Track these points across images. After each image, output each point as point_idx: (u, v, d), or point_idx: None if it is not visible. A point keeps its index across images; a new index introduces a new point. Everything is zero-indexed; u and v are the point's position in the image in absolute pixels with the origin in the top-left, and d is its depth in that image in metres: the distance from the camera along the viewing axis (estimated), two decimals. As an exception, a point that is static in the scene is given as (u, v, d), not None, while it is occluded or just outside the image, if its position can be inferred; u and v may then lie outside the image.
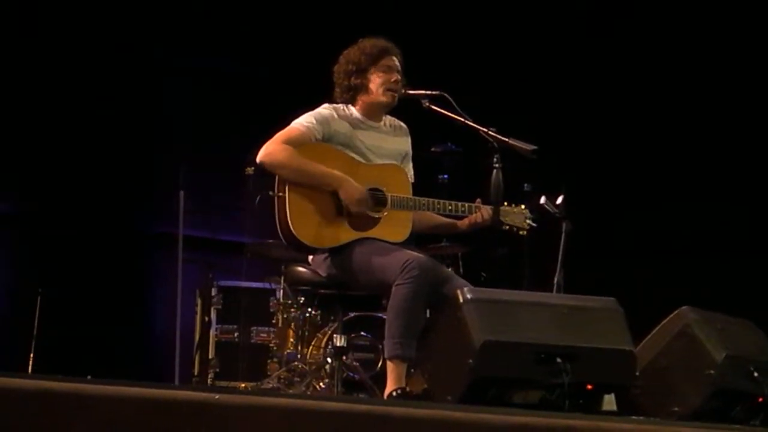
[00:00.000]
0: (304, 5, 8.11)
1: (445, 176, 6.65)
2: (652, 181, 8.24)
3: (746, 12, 7.86)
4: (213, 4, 8.06)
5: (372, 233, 4.88)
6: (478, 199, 5.01)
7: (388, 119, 5.14)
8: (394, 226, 4.92)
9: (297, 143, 4.85)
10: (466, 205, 5.00)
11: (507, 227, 5.06)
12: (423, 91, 4.98)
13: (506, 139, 4.80)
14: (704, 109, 8.06)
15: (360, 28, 5.17)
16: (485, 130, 4.83)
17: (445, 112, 4.93)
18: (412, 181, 5.13)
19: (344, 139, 4.95)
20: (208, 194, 7.51)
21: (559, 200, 5.52)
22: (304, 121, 4.92)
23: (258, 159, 4.88)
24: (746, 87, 7.92)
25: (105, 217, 7.95)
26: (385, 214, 4.90)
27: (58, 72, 7.67)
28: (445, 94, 4.92)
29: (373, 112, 5.05)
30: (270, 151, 4.85)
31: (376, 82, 5.00)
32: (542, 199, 5.50)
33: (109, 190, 7.85)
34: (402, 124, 5.17)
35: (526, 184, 6.16)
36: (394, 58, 5.03)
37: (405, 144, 5.16)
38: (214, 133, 7.94)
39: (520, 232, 5.12)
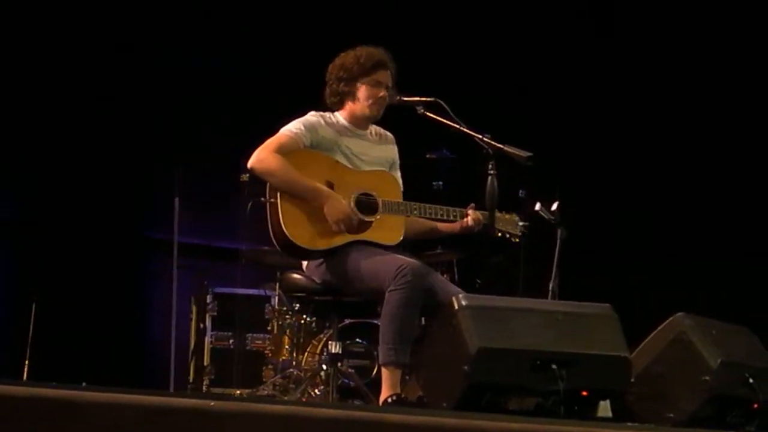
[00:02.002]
0: (303, 11, 8.11)
1: (440, 183, 6.65)
2: (647, 187, 8.25)
3: (745, 14, 7.86)
4: (210, 8, 8.05)
5: (365, 236, 4.90)
6: (472, 204, 5.02)
7: (374, 128, 5.18)
8: (387, 230, 4.94)
9: (287, 150, 4.89)
10: (457, 210, 5.03)
11: (500, 234, 5.07)
12: (417, 98, 4.99)
13: (501, 146, 4.80)
14: (699, 114, 8.06)
15: (357, 34, 5.18)
16: (480, 136, 4.84)
17: (440, 119, 4.93)
18: (401, 189, 5.14)
19: (331, 145, 4.98)
20: (203, 201, 7.51)
21: (554, 207, 5.52)
22: (293, 128, 4.95)
23: (249, 165, 4.91)
24: (742, 90, 7.92)
25: (100, 224, 7.93)
26: (378, 218, 4.92)
27: (54, 75, 7.66)
28: (440, 101, 4.93)
29: (358, 121, 5.08)
30: (261, 158, 4.87)
31: (363, 94, 5.03)
32: (537, 206, 5.51)
33: (104, 196, 7.84)
34: (388, 133, 5.22)
35: (521, 191, 6.17)
36: (387, 73, 5.04)
37: (392, 152, 5.19)
38: (209, 140, 7.93)
39: (513, 239, 5.14)
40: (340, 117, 5.08)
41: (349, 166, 4.99)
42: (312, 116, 5.03)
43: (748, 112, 7.96)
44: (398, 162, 5.20)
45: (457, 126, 4.90)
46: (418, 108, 4.99)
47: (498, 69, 8.28)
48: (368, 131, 5.13)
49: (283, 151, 4.87)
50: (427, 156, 6.66)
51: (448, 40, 8.26)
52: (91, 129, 7.77)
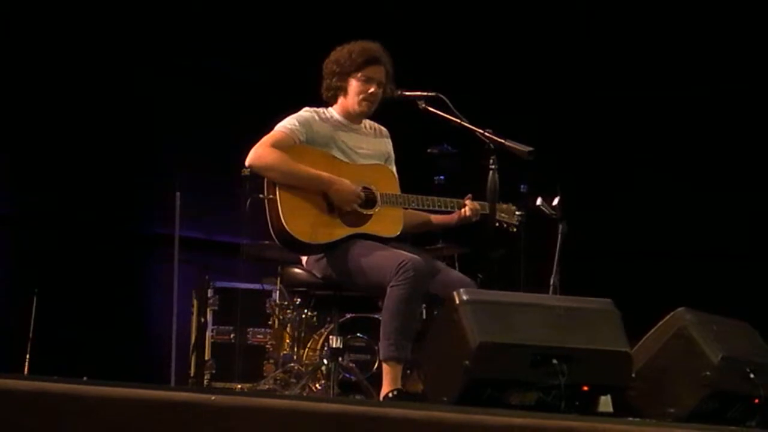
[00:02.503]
0: (302, 7, 8.11)
1: (442, 177, 6.65)
2: (649, 182, 8.25)
3: (746, 12, 7.86)
4: (210, 5, 8.06)
5: (365, 229, 4.90)
6: (470, 195, 5.02)
7: (368, 123, 5.18)
8: (386, 222, 4.95)
9: (283, 146, 4.89)
10: (455, 201, 5.04)
11: (497, 224, 5.07)
12: (419, 93, 4.99)
13: (502, 141, 4.80)
14: (700, 110, 8.06)
15: (357, 30, 5.18)
16: (481, 131, 4.83)
17: (442, 114, 4.93)
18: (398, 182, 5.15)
19: (326, 140, 4.99)
20: (204, 196, 7.51)
21: (555, 201, 5.53)
22: (287, 124, 4.96)
23: (247, 162, 4.91)
24: (744, 88, 7.92)
25: (101, 219, 7.94)
26: (377, 210, 4.92)
27: (54, 73, 7.66)
28: (442, 96, 4.93)
29: (351, 116, 5.09)
30: (259, 154, 4.88)
31: (353, 90, 5.03)
32: (538, 201, 5.51)
33: (105, 192, 7.85)
34: (382, 127, 5.23)
35: (522, 186, 6.16)
36: (380, 68, 5.03)
37: (387, 146, 5.20)
38: (210, 135, 7.93)
39: (511, 229, 5.14)
40: (334, 112, 5.09)
41: (346, 160, 5.00)
42: (306, 112, 5.03)
43: (749, 109, 7.97)
44: (393, 156, 5.21)
45: (459, 121, 4.90)
46: (419, 102, 4.99)
47: (499, 64, 8.28)
48: (362, 125, 5.14)
49: (278, 146, 4.88)
50: (429, 150, 6.66)
51: (450, 35, 8.26)
52: (93, 126, 7.78)
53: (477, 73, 8.16)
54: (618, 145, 8.27)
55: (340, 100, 5.08)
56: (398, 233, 4.97)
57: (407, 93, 5.02)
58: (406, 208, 5.02)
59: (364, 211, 4.91)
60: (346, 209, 4.87)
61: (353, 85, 5.02)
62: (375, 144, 5.13)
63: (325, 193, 4.87)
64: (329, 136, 4.99)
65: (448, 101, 4.91)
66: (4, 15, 7.42)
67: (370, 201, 4.92)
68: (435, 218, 5.16)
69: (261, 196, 4.89)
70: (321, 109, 5.08)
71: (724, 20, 7.93)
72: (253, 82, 8.24)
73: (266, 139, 4.91)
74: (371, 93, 5.02)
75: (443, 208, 5.04)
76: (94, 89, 7.79)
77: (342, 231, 4.88)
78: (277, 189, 4.85)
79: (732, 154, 7.99)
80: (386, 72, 5.05)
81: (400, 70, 5.10)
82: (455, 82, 5.52)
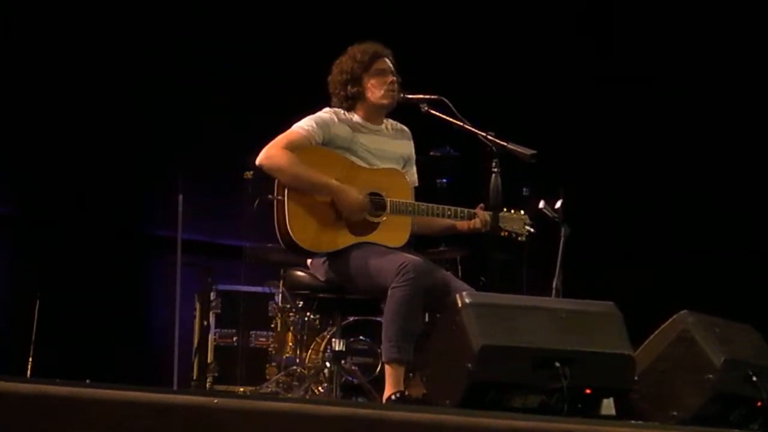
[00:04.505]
0: (304, 9, 8.10)
1: (444, 180, 6.65)
2: (651, 185, 8.25)
3: (746, 13, 7.86)
4: (211, 6, 8.05)
5: (370, 238, 4.89)
6: (480, 205, 5.01)
7: (390, 123, 5.14)
8: (392, 231, 4.92)
9: (297, 147, 4.86)
10: (465, 210, 5.01)
11: (505, 233, 5.06)
12: (422, 96, 4.99)
13: (505, 144, 4.80)
14: (701, 112, 8.06)
15: (359, 32, 5.18)
16: (484, 134, 4.84)
17: (444, 117, 4.93)
18: (416, 185, 5.15)
19: (345, 142, 4.96)
20: (206, 198, 7.50)
21: (558, 204, 5.52)
22: (304, 125, 4.92)
23: (258, 161, 4.89)
24: (743, 91, 7.92)
25: (104, 221, 7.93)
26: (384, 219, 4.90)
27: (56, 73, 7.65)
28: (444, 99, 4.93)
29: (373, 116, 5.06)
30: (270, 154, 4.86)
31: (372, 87, 5.00)
32: (541, 204, 5.50)
33: (108, 194, 7.84)
34: (404, 127, 5.18)
35: (524, 189, 6.17)
36: (386, 60, 5.03)
37: (407, 147, 5.16)
38: (213, 137, 7.93)
39: (519, 238, 5.13)
40: (354, 114, 5.05)
41: (363, 164, 4.97)
42: (325, 113, 5.00)
43: (749, 110, 7.96)
44: (414, 157, 5.19)
45: (461, 124, 4.90)
46: (422, 106, 4.99)
47: (502, 67, 8.27)
48: (383, 126, 5.11)
49: (292, 147, 4.85)
50: (431, 153, 6.65)
51: (452, 38, 8.25)
52: (95, 127, 7.77)
53: (479, 76, 8.16)
54: (620, 147, 8.26)
55: (359, 105, 5.04)
56: (404, 243, 4.95)
57: (410, 96, 5.02)
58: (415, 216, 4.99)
59: (372, 219, 4.89)
60: (351, 219, 4.85)
61: (370, 83, 5.00)
62: (395, 146, 5.10)
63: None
64: (349, 139, 4.96)
65: (450, 104, 4.91)
66: (4, 15, 7.41)
67: (379, 207, 4.91)
68: (459, 225, 5.11)
69: (270, 196, 4.87)
70: (341, 110, 5.04)
71: (725, 20, 7.92)
72: (258, 83, 8.23)
73: (280, 139, 4.88)
74: (391, 83, 5.00)
75: (453, 218, 5.02)
76: (97, 90, 7.77)
77: (346, 240, 4.87)
78: (286, 191, 4.83)
79: (732, 154, 7.99)
80: (393, 62, 5.04)
81: (402, 74, 5.09)
82: (458, 85, 5.52)
